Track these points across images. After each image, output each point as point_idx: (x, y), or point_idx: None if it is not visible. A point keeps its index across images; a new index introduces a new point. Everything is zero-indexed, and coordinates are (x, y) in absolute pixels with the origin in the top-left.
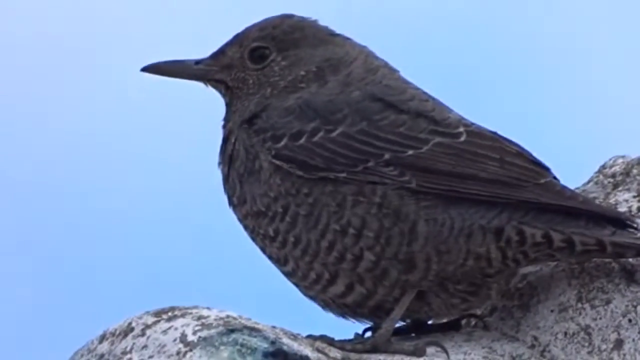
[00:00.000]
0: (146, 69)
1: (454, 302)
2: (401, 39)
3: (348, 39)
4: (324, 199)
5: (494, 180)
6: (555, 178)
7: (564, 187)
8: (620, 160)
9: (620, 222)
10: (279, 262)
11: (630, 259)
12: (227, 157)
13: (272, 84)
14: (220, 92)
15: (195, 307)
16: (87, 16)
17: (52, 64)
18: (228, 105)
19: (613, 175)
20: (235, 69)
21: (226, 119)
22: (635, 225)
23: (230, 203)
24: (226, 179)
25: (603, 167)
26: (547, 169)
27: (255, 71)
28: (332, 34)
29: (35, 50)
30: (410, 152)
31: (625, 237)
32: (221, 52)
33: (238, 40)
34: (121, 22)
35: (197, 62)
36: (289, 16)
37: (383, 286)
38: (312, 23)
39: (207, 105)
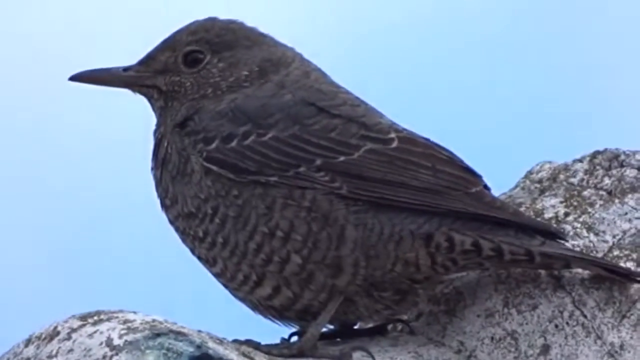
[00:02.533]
0: (74, 78)
1: (379, 308)
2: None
3: (277, 40)
4: (254, 201)
5: (424, 189)
6: (486, 186)
7: (494, 197)
8: (547, 166)
9: (549, 234)
10: (208, 262)
11: None
12: (160, 160)
13: (213, 85)
14: (151, 97)
15: (121, 311)
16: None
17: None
18: (161, 109)
19: (540, 181)
20: (169, 73)
21: (158, 124)
22: (564, 238)
23: (162, 205)
24: (159, 182)
25: (530, 172)
26: (478, 177)
27: (192, 74)
28: (263, 35)
29: None
30: (342, 158)
31: (554, 248)
32: (151, 57)
33: (169, 45)
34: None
35: (126, 69)
36: (215, 19)
37: (309, 290)
38: (241, 25)
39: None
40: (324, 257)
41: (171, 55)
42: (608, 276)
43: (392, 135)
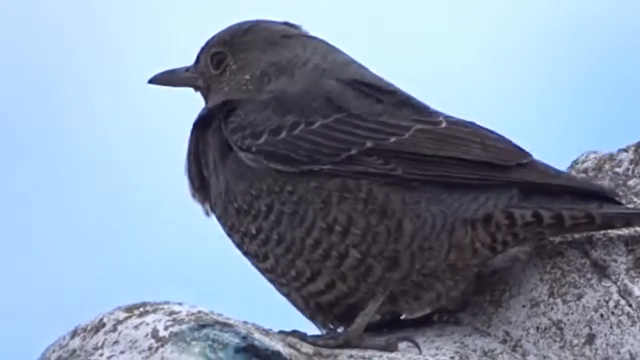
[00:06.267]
0: (152, 81)
1: (447, 289)
2: None
3: (303, 39)
4: (309, 196)
5: (478, 162)
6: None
7: (548, 166)
8: (592, 156)
9: (604, 197)
10: (257, 258)
11: (604, 255)
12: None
13: (219, 90)
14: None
15: (167, 302)
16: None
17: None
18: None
19: (585, 171)
20: (205, 75)
21: None
22: (620, 199)
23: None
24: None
25: (575, 162)
26: (528, 153)
27: (217, 77)
28: (286, 36)
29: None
30: (393, 139)
31: (612, 209)
32: (197, 59)
33: (206, 46)
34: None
35: (187, 69)
36: (250, 20)
37: (366, 283)
38: (268, 25)
39: None
40: (382, 251)
41: (206, 56)
42: None
43: (440, 118)
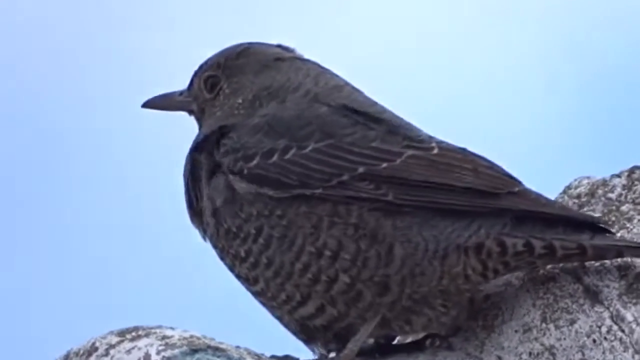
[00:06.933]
0: (146, 105)
1: (438, 314)
2: None
3: (297, 63)
4: (299, 220)
5: (469, 190)
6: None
7: (539, 195)
8: (585, 181)
9: (596, 227)
10: (248, 281)
11: (596, 281)
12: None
13: (213, 114)
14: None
15: (159, 326)
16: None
17: None
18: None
19: (578, 196)
20: (199, 99)
21: None
22: (612, 230)
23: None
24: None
25: (568, 187)
26: (518, 181)
27: (210, 100)
28: (279, 59)
29: None
30: (385, 164)
31: (604, 240)
32: (191, 82)
33: (199, 70)
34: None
35: (181, 92)
36: (243, 43)
37: (356, 308)
38: (262, 48)
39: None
40: (373, 276)
41: (198, 80)
42: None
43: (433, 144)
